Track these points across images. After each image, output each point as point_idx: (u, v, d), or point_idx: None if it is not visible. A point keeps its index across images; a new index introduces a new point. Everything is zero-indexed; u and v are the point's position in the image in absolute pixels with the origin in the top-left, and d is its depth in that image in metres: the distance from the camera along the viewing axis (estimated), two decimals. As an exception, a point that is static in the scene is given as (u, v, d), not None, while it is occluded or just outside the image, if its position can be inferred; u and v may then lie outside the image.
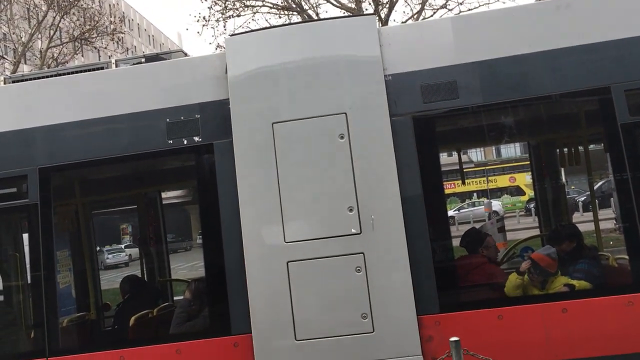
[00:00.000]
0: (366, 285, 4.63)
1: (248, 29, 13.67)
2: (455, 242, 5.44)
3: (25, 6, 23.06)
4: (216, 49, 19.28)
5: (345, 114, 4.79)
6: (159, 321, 5.91)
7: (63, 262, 6.26)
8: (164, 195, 7.79)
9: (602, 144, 5.60)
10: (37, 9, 21.89)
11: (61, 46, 22.82)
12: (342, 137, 4.78)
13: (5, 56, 24.05)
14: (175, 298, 7.15)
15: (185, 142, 5.04)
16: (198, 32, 30.08)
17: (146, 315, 5.90)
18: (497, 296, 5.15)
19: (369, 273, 4.64)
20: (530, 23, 4.91)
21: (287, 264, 4.70)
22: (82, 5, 21.94)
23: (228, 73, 4.99)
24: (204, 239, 5.16)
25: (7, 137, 5.26)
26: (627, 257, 4.80)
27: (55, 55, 22.26)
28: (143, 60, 5.57)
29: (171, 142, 5.05)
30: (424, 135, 4.86)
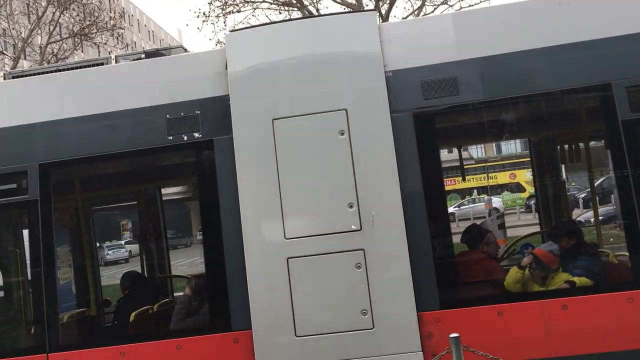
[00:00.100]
0: (366, 281, 4.63)
1: (248, 25, 13.65)
2: (455, 239, 5.44)
3: (25, 2, 23.04)
4: (216, 44, 19.25)
5: (346, 110, 4.78)
6: (159, 317, 5.91)
7: (63, 258, 6.27)
8: (164, 191, 7.79)
9: (603, 141, 5.59)
10: (36, 4, 21.87)
11: (61, 42, 22.78)
12: (342, 134, 4.78)
13: (5, 52, 24.02)
14: (175, 294, 7.16)
15: (185, 138, 5.03)
16: (198, 28, 30.27)
17: (146, 312, 5.91)
18: (497, 293, 5.15)
19: (369, 269, 4.64)
20: (532, 19, 4.90)
21: (287, 260, 4.70)
22: (81, 0, 21.90)
23: (228, 69, 4.98)
24: (204, 235, 5.16)
25: (7, 132, 5.25)
26: (627, 253, 4.80)
27: (55, 51, 22.23)
28: (143, 56, 5.56)
29: (171, 138, 5.04)
30: (425, 131, 4.85)
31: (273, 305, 4.71)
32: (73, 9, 21.67)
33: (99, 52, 30.62)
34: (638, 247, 4.66)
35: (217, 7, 19.07)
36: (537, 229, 7.40)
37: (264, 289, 4.74)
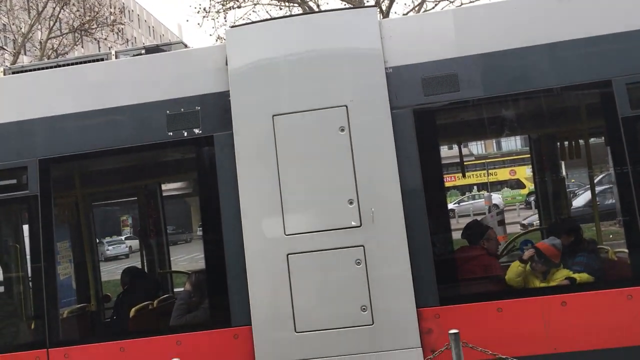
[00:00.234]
0: (366, 277, 4.64)
1: (249, 21, 13.63)
2: (455, 235, 5.44)
3: (25, -3, 22.98)
4: (216, 40, 19.22)
5: (346, 106, 4.78)
6: (159, 313, 5.92)
7: (63, 253, 6.27)
8: (164, 187, 7.79)
9: (603, 138, 5.59)
10: (36, -1, 21.83)
11: (61, 37, 22.75)
12: (342, 130, 4.78)
13: (5, 47, 23.98)
14: (175, 290, 7.17)
15: (186, 134, 5.03)
16: (198, 24, 30.15)
17: (146, 307, 5.92)
18: (496, 289, 5.16)
19: (369, 265, 4.65)
20: (532, 16, 4.89)
21: (287, 256, 4.71)
22: (81, -5, 21.86)
23: (228, 65, 4.98)
24: (204, 231, 5.17)
25: (7, 128, 5.25)
26: (626, 250, 4.80)
27: (55, 46, 22.20)
28: (143, 51, 5.56)
29: (171, 134, 5.04)
30: (425, 128, 4.85)
31: (273, 301, 4.72)
32: (73, 4, 21.63)
33: (99, 47, 30.56)
34: (637, 244, 4.67)
35: (218, 2, 19.03)
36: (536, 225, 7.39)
37: (263, 285, 4.74)
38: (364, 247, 4.67)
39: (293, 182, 4.77)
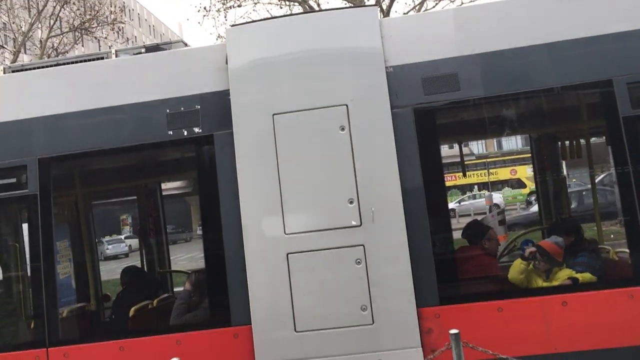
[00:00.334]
0: (366, 277, 4.63)
1: (249, 20, 13.63)
2: (456, 235, 5.43)
3: (25, -5, 22.97)
4: (217, 39, 19.23)
5: (346, 105, 4.77)
6: (159, 312, 5.92)
7: (63, 252, 6.26)
8: (164, 186, 7.78)
9: (604, 137, 5.58)
10: (37, -2, 21.81)
11: (61, 36, 22.75)
12: (342, 129, 4.77)
13: (5, 46, 23.98)
14: (175, 289, 7.16)
15: (186, 133, 5.02)
16: (199, 23, 30.23)
17: (146, 306, 5.91)
18: (497, 289, 5.15)
19: (369, 265, 4.64)
20: (533, 15, 4.88)
21: (287, 255, 4.70)
22: (82, -6, 21.86)
23: (229, 64, 4.97)
24: (204, 230, 5.16)
25: (7, 127, 5.25)
26: (627, 250, 4.80)
27: (56, 45, 22.20)
28: (143, 50, 5.55)
29: (171, 133, 5.03)
30: (425, 127, 4.84)
31: (273, 301, 4.72)
32: (73, 3, 21.63)
33: (100, 46, 30.56)
34: (638, 244, 4.66)
35: (218, 1, 19.07)
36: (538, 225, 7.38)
37: (263, 284, 4.74)
38: (364, 246, 4.66)
39: (293, 181, 4.76)
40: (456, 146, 6.97)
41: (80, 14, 21.83)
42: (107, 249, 23.17)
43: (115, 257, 22.51)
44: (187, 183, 8.55)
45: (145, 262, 7.54)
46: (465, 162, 7.53)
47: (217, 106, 4.98)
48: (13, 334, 5.53)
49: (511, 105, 5.09)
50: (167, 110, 5.04)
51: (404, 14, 17.74)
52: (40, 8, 21.38)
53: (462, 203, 27.17)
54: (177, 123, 5.03)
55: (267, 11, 20.61)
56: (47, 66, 5.59)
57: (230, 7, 19.14)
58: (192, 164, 5.33)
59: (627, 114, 4.64)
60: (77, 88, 5.27)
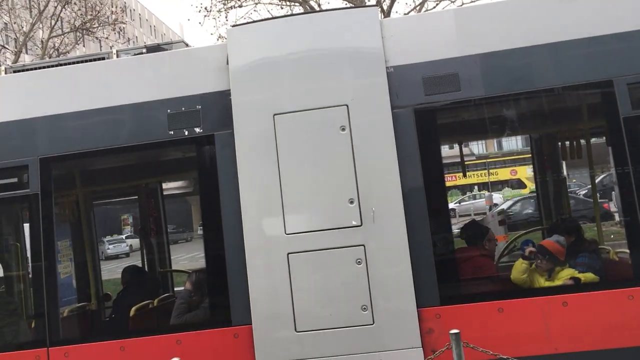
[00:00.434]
0: (366, 277, 4.63)
1: (250, 20, 13.63)
2: (456, 235, 5.44)
3: (27, -5, 22.99)
4: (218, 39, 19.24)
5: (347, 105, 4.78)
6: (159, 312, 5.92)
7: (64, 252, 6.27)
8: (164, 186, 7.79)
9: (604, 138, 5.58)
10: (38, -2, 21.82)
11: (62, 36, 22.76)
12: (343, 129, 4.77)
13: (7, 46, 24.00)
14: (175, 289, 7.17)
15: (186, 133, 5.03)
16: (200, 23, 30.20)
17: (147, 306, 5.92)
18: (497, 289, 5.15)
19: (369, 265, 4.64)
20: (534, 15, 4.88)
21: (288, 255, 4.70)
22: (83, -6, 21.87)
23: (229, 64, 4.98)
24: (205, 230, 5.17)
25: (8, 127, 5.25)
26: (627, 250, 4.80)
27: (57, 45, 22.22)
28: (144, 50, 5.55)
29: (172, 133, 5.04)
30: (426, 127, 4.85)
31: (273, 301, 4.72)
32: (75, 3, 21.64)
33: (101, 46, 30.58)
34: (638, 244, 4.66)
35: (219, 1, 19.06)
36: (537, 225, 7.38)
37: (264, 284, 4.74)
38: (364, 246, 4.66)
39: (294, 181, 4.77)
40: (456, 146, 6.97)
41: (81, 14, 21.84)
42: (108, 248, 23.18)
43: (116, 257, 22.51)
44: (187, 183, 8.56)
45: (146, 262, 7.54)
46: (466, 163, 7.54)
47: (218, 106, 4.99)
48: (14, 333, 5.54)
49: (512, 106, 5.09)
50: (168, 110, 5.05)
51: (405, 14, 17.74)
52: (42, 8, 21.39)
53: (462, 203, 27.18)
54: (178, 123, 5.03)
55: (268, 11, 20.64)
56: (48, 66, 5.60)
57: (231, 8, 19.17)
58: (193, 164, 5.34)
59: (628, 114, 4.64)
60: (78, 88, 5.27)
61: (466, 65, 4.80)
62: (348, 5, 17.12)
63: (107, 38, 23.34)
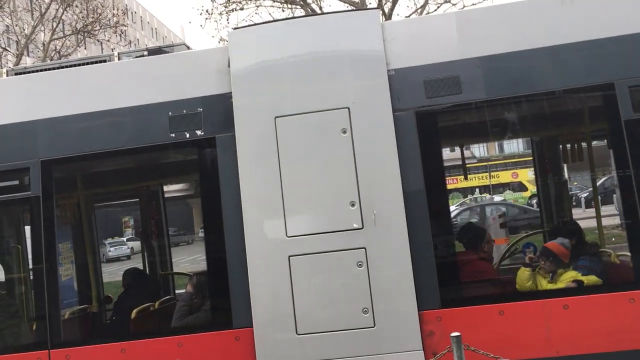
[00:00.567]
0: (367, 280, 4.63)
1: (251, 23, 13.65)
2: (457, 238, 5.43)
3: (28, -2, 23.05)
4: (219, 42, 19.26)
5: (348, 108, 4.78)
6: (160, 314, 5.92)
7: (65, 254, 6.27)
8: (166, 188, 7.79)
9: (606, 141, 5.58)
10: (40, 1, 21.87)
11: (64, 38, 22.81)
12: (344, 132, 4.77)
13: (8, 48, 24.03)
14: (177, 291, 7.17)
15: (188, 135, 5.03)
16: (201, 26, 30.21)
17: (148, 309, 5.92)
18: (498, 292, 5.14)
19: (371, 268, 4.64)
20: (535, 18, 4.88)
21: (289, 258, 4.70)
22: (85, -3, 21.93)
23: (231, 66, 4.98)
24: (206, 233, 5.17)
25: (10, 129, 5.26)
26: (629, 253, 4.79)
27: (58, 47, 22.27)
28: (146, 53, 5.56)
29: (173, 135, 5.04)
30: (427, 130, 4.85)
31: (274, 303, 4.72)
32: (76, 6, 21.69)
33: (102, 49, 30.67)
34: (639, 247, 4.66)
35: (220, 4, 19.07)
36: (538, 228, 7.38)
37: (265, 287, 4.74)
38: (365, 249, 4.66)
39: (295, 183, 4.77)
40: (458, 149, 6.97)
41: (82, 16, 21.89)
42: (109, 251, 23.19)
43: (117, 259, 22.53)
44: (189, 185, 8.56)
45: (147, 264, 7.54)
46: (467, 165, 7.54)
47: (219, 109, 4.99)
48: (15, 335, 5.54)
49: (513, 108, 5.09)
50: (170, 113, 5.06)
51: (406, 17, 17.76)
52: (43, 11, 21.44)
53: (463, 206, 27.13)
54: (179, 125, 5.04)
55: (269, 14, 20.63)
56: (49, 69, 5.60)
57: (233, 10, 19.17)
58: (194, 167, 5.34)
59: (629, 117, 4.64)
60: (80, 90, 5.28)
61: (467, 68, 4.80)
62: (349, 8, 17.14)
63: (108, 40, 23.39)
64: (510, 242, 7.85)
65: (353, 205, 4.70)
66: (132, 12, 61.93)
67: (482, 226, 7.28)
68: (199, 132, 5.02)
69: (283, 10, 19.36)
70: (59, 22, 21.64)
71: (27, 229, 5.59)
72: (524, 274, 5.03)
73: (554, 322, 4.54)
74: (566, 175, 7.53)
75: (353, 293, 4.65)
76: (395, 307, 4.62)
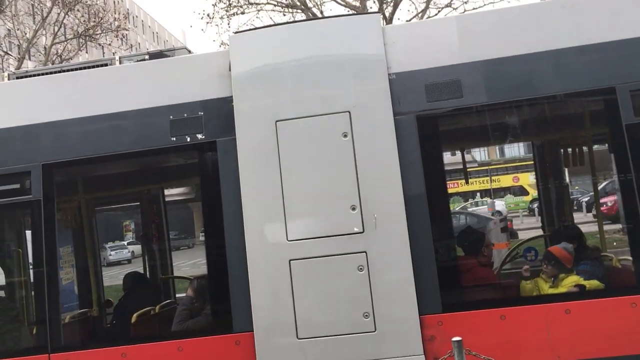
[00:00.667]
0: (368, 284, 4.62)
1: (252, 27, 13.66)
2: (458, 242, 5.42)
3: (30, 2, 23.10)
4: (220, 46, 19.28)
5: (349, 112, 4.78)
6: (161, 318, 5.91)
7: (66, 258, 6.27)
8: (167, 192, 7.79)
9: (607, 145, 5.58)
10: (41, 5, 21.93)
11: (65, 42, 22.86)
12: (345, 136, 4.77)
13: (10, 52, 24.09)
14: (177, 295, 7.16)
15: (189, 139, 5.03)
16: (202, 30, 30.21)
17: (148, 312, 5.91)
18: (499, 296, 5.13)
19: (371, 272, 4.63)
20: (535, 22, 4.89)
21: (289, 262, 4.70)
22: (86, 1, 21.98)
23: (232, 70, 4.99)
24: (207, 237, 5.16)
25: (11, 133, 5.26)
26: (630, 258, 4.78)
27: (60, 51, 22.31)
28: (147, 57, 5.56)
29: (174, 139, 5.04)
30: (428, 134, 4.84)
31: (275, 307, 4.71)
32: (78, 10, 21.75)
33: (104, 53, 30.72)
34: None
35: (222, 8, 19.12)
36: (540, 232, 7.37)
37: (265, 291, 4.73)
38: (366, 253, 4.65)
39: (296, 187, 4.77)
40: (459, 153, 6.97)
41: (84, 20, 21.95)
42: (110, 254, 23.19)
43: (118, 263, 22.52)
44: (190, 189, 8.56)
45: (147, 268, 7.54)
46: (468, 169, 7.53)
47: (220, 113, 5.00)
48: (15, 339, 5.53)
49: (514, 113, 5.09)
50: (170, 117, 5.06)
51: (407, 21, 17.78)
52: (45, 15, 21.49)
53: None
54: (180, 129, 5.04)
55: (270, 18, 20.63)
56: (51, 72, 5.61)
57: (234, 15, 19.22)
58: (195, 171, 5.34)
59: (630, 121, 4.63)
60: (81, 94, 5.28)
61: (468, 72, 4.80)
62: (350, 12, 17.17)
63: (109, 44, 23.45)
64: (511, 246, 7.83)
65: (354, 209, 4.70)
66: (133, 16, 62.05)
67: (482, 230, 7.26)
68: (200, 136, 5.02)
69: (284, 15, 19.41)
70: (60, 26, 21.69)
71: (28, 232, 5.59)
72: (527, 286, 5.03)
73: (556, 326, 4.53)
74: (567, 179, 7.52)
75: (354, 297, 4.64)
76: (396, 312, 4.61)
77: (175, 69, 5.29)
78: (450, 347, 4.25)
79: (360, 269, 4.65)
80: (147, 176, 6.55)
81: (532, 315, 4.59)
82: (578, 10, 4.84)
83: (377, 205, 4.68)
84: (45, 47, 22.10)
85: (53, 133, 5.21)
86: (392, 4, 18.68)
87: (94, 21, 22.13)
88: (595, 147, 6.36)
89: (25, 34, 22.04)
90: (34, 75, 5.63)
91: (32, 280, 5.36)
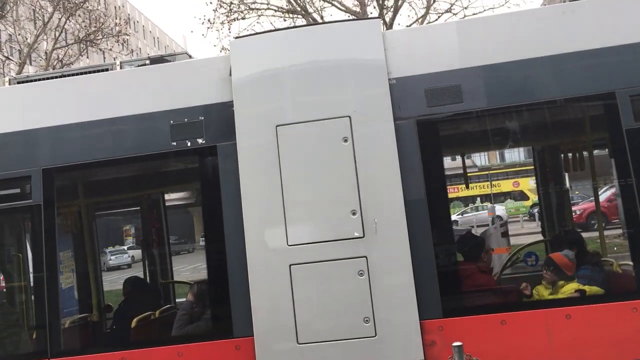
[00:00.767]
0: (369, 289, 4.62)
1: (253, 32, 13.69)
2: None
3: (31, 7, 23.15)
4: (221, 51, 19.30)
5: (349, 117, 4.79)
6: (161, 323, 5.90)
7: (66, 263, 6.26)
8: (167, 197, 7.79)
9: (607, 150, 5.58)
10: (42, 10, 21.98)
11: (66, 47, 22.90)
12: (345, 141, 4.78)
13: (11, 57, 24.13)
14: (177, 300, 7.15)
15: (189, 144, 5.04)
16: (203, 35, 30.22)
17: (148, 317, 5.90)
18: (500, 301, 5.12)
19: (372, 277, 4.63)
20: (535, 28, 4.90)
21: (290, 267, 4.69)
22: (87, 7, 22.04)
23: (232, 75, 5.00)
24: (207, 241, 5.16)
25: (12, 137, 5.27)
26: (631, 263, 4.78)
27: (61, 56, 22.35)
28: (147, 62, 5.58)
29: (175, 144, 5.05)
30: (428, 139, 4.85)
31: (275, 312, 4.70)
32: (79, 15, 21.80)
33: (104, 58, 30.75)
34: None
35: (222, 14, 19.13)
36: (540, 237, 7.36)
37: (266, 296, 4.73)
38: (366, 258, 4.65)
39: (296, 192, 4.77)
40: (459, 158, 6.97)
41: (85, 26, 21.99)
42: (110, 259, 23.15)
43: (118, 268, 22.48)
44: (190, 194, 8.56)
45: (148, 273, 7.53)
46: (468, 174, 7.53)
47: (221, 117, 5.00)
48: (15, 344, 5.52)
49: (514, 118, 5.09)
50: (171, 122, 5.07)
51: (407, 26, 17.81)
52: (46, 20, 21.54)
53: (464, 215, 27.11)
54: (180, 134, 5.05)
55: (271, 24, 20.65)
56: (52, 77, 5.62)
57: (234, 20, 19.23)
58: (196, 175, 5.35)
59: (630, 126, 4.64)
60: (82, 99, 5.30)
61: (468, 77, 4.81)
62: (350, 17, 17.20)
63: (110, 49, 23.48)
64: (511, 251, 7.83)
65: (354, 213, 4.70)
66: (134, 22, 62.18)
67: (482, 235, 7.25)
68: (200, 141, 5.03)
69: (284, 20, 19.42)
70: (61, 31, 21.74)
71: (28, 237, 5.59)
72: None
73: (556, 331, 4.52)
74: (567, 184, 7.52)
75: (354, 302, 4.63)
76: (397, 317, 4.61)
77: (176, 73, 5.30)
78: (451, 352, 4.24)
79: (361, 273, 4.64)
80: (147, 181, 6.56)
81: (533, 321, 4.58)
82: (578, 15, 4.85)
83: (377, 210, 4.68)
84: (46, 52, 22.14)
85: (53, 138, 5.22)
86: (392, 9, 18.72)
87: (95, 26, 22.18)
88: (596, 152, 6.36)
89: (27, 39, 22.08)
90: (35, 80, 5.64)
91: (32, 284, 5.35)
